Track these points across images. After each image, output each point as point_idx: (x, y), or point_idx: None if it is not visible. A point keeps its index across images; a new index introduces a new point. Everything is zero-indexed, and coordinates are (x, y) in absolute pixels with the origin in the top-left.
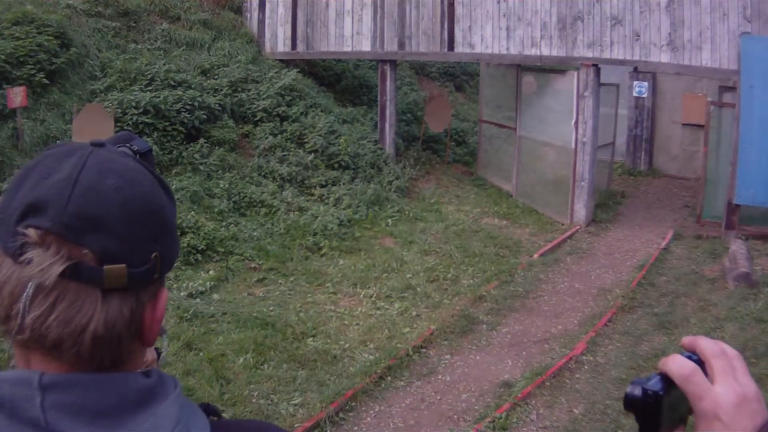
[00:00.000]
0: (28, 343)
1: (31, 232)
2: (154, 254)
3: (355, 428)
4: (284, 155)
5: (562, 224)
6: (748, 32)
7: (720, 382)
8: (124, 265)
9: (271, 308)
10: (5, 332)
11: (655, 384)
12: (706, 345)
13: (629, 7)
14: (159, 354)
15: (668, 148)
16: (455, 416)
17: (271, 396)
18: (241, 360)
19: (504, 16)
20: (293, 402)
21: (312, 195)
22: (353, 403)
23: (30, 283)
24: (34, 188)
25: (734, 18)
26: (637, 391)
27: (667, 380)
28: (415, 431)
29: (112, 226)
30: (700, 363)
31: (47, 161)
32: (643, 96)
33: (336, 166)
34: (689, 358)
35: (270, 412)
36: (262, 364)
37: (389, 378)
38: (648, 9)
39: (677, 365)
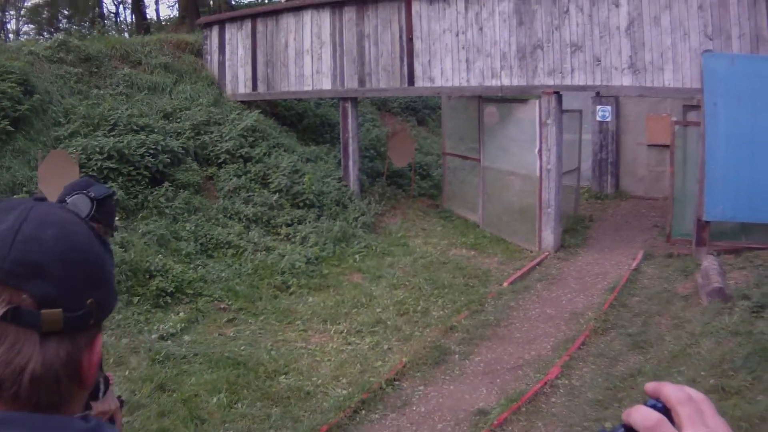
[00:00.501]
0: None
1: None
2: (89, 300)
3: None
4: (249, 196)
5: (531, 251)
6: (709, 50)
7: (689, 430)
8: (60, 310)
9: (242, 347)
10: None
11: None
12: (671, 392)
13: (588, 32)
14: (122, 402)
15: (634, 169)
16: None
17: None
18: (215, 399)
19: (463, 48)
20: None
21: (278, 234)
22: None
23: None
24: None
25: (695, 37)
26: None
27: (630, 430)
28: None
29: (50, 272)
30: (666, 410)
31: None
32: (607, 120)
33: (301, 204)
34: (653, 406)
35: None
36: (235, 403)
37: (363, 411)
38: (608, 33)
39: (642, 417)
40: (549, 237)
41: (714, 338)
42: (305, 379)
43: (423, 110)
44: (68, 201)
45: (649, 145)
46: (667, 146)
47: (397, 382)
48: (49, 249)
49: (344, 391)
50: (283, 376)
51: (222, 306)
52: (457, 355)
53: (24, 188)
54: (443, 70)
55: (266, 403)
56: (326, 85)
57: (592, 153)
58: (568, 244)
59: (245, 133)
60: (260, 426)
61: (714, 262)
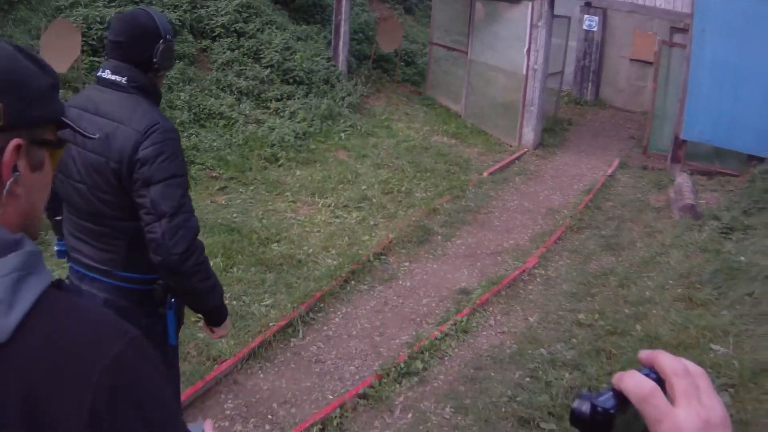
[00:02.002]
0: None
1: None
2: None
3: (325, 328)
4: (241, 69)
5: (510, 146)
6: None
7: (682, 405)
8: None
9: (234, 215)
10: None
11: (606, 401)
12: (667, 362)
13: None
14: None
15: (615, 81)
16: (418, 319)
17: (243, 297)
18: (212, 263)
19: None
20: (264, 303)
21: (268, 108)
22: (321, 305)
23: None
24: None
25: None
26: (585, 407)
27: (620, 398)
28: (381, 332)
29: None
30: (660, 381)
31: None
32: (593, 30)
33: (291, 81)
34: (647, 375)
35: (243, 312)
36: (231, 267)
37: (353, 282)
38: None
39: (635, 384)
40: (529, 134)
41: (683, 251)
42: (296, 248)
43: None
44: None
45: (631, 60)
46: (649, 63)
47: (383, 257)
48: None
49: (334, 262)
50: (276, 244)
51: (214, 174)
52: (440, 236)
53: None
54: None
55: (260, 269)
56: None
57: (575, 59)
58: (547, 143)
59: (240, 9)
60: (256, 290)
61: (688, 179)
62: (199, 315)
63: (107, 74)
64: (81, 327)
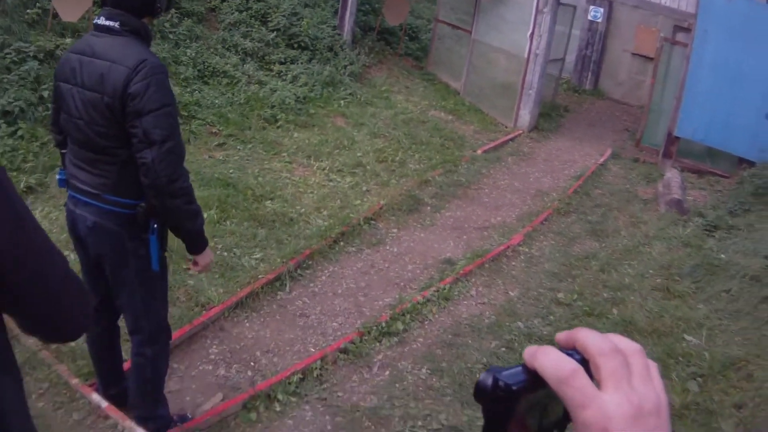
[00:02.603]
0: None
1: None
2: None
3: (311, 285)
4: (248, 31)
5: (506, 127)
6: None
7: (610, 388)
8: None
9: (231, 171)
10: None
11: (512, 376)
12: (591, 339)
13: None
14: None
15: (616, 73)
16: (402, 283)
17: (234, 249)
18: (206, 215)
19: None
20: (254, 257)
21: (271, 71)
22: (310, 262)
23: None
24: None
25: None
26: (489, 380)
27: (533, 375)
28: (366, 293)
29: None
30: (584, 363)
31: None
32: (598, 20)
33: (295, 45)
34: (570, 356)
35: (234, 264)
36: (224, 220)
37: (342, 243)
38: None
39: (552, 363)
40: (526, 116)
41: (666, 243)
42: (289, 207)
43: None
44: None
45: (633, 54)
46: (650, 58)
47: (373, 222)
48: None
49: (325, 223)
50: (269, 201)
51: (213, 131)
52: (429, 207)
53: (37, 3)
54: None
55: (253, 224)
56: None
57: (577, 48)
58: (542, 127)
59: None
60: (247, 244)
61: (677, 175)
62: (189, 259)
63: (102, 20)
64: None
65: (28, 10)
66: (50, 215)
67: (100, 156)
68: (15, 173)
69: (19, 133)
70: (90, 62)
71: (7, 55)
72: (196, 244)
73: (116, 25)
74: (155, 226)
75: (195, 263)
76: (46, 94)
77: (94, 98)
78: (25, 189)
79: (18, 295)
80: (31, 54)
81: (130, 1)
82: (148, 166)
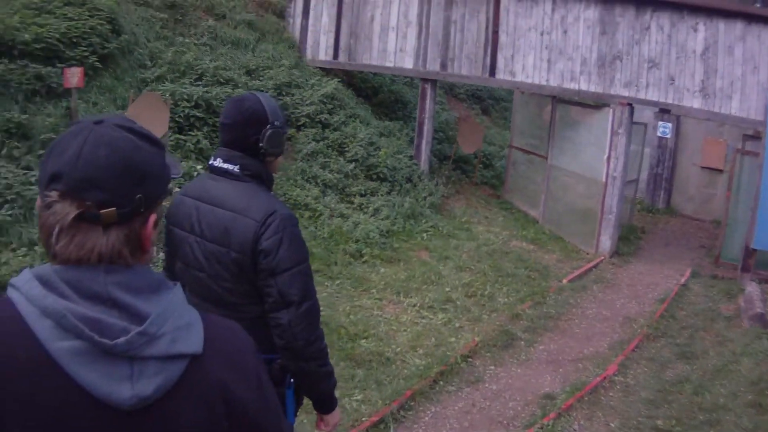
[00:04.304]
0: (62, 261)
1: (53, 194)
2: (138, 196)
3: (415, 426)
4: (326, 162)
5: (587, 253)
6: None
7: None
8: (114, 209)
9: (322, 309)
10: (49, 254)
11: None
12: None
13: (666, 51)
14: None
15: (686, 188)
16: (504, 421)
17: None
18: None
19: (546, 48)
20: (355, 398)
21: (352, 203)
22: (412, 403)
23: (56, 225)
24: (55, 163)
25: (764, 71)
26: None
27: None
28: None
29: (103, 183)
30: None
31: (63, 140)
32: (667, 137)
33: (374, 177)
34: None
35: None
36: None
37: (441, 382)
38: (684, 55)
39: None
40: (606, 242)
41: (753, 359)
42: (384, 345)
43: (488, 100)
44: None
45: (702, 167)
46: (719, 170)
47: (470, 359)
48: (101, 166)
49: (422, 361)
50: (364, 340)
51: None
52: (523, 342)
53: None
54: (525, 66)
55: (350, 364)
56: (408, 63)
57: (649, 166)
58: (622, 251)
59: (325, 100)
60: (346, 385)
61: (757, 289)
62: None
63: (219, 162)
64: (228, 331)
65: None
66: None
67: (227, 312)
68: None
69: None
70: (210, 211)
71: None
72: (326, 404)
73: (236, 168)
74: (291, 380)
75: (322, 420)
76: None
77: (219, 252)
78: None
79: None
80: None
81: (245, 137)
82: (283, 327)
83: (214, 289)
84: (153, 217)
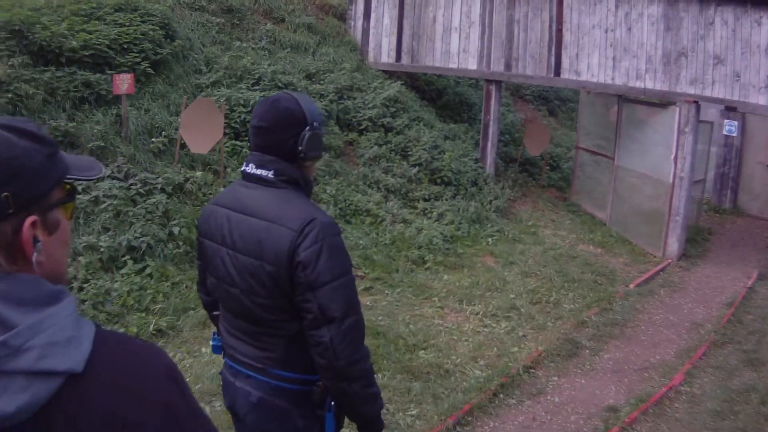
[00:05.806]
0: None
1: None
2: (3, 195)
3: None
4: (389, 166)
5: (654, 256)
6: None
7: None
8: None
9: (380, 318)
10: None
11: None
12: None
13: (731, 47)
14: None
15: (751, 187)
16: None
17: (388, 406)
18: None
19: (611, 46)
20: (410, 413)
21: (415, 208)
22: (469, 418)
23: None
24: None
25: None
26: None
27: None
28: None
29: None
30: None
31: None
32: (733, 135)
33: (438, 181)
34: None
35: (388, 422)
36: (376, 374)
37: (501, 395)
38: (749, 51)
39: None
40: (674, 244)
41: None
42: (444, 357)
43: (554, 101)
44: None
45: (766, 165)
46: None
47: (532, 370)
48: None
49: (482, 373)
50: (423, 351)
51: (359, 274)
52: (587, 350)
53: (163, 132)
54: (590, 64)
55: (406, 377)
56: (472, 64)
57: (715, 166)
58: (690, 254)
59: (387, 103)
60: (401, 399)
61: None
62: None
63: (252, 168)
64: (127, 352)
65: (153, 139)
66: (183, 362)
67: (262, 329)
68: (143, 314)
69: (147, 270)
70: (242, 220)
71: (132, 186)
72: (371, 429)
73: (270, 174)
74: (332, 403)
75: None
76: (176, 230)
77: (252, 265)
78: (154, 332)
79: None
80: (159, 186)
81: (282, 141)
82: (325, 346)
83: (247, 306)
84: (31, 221)
